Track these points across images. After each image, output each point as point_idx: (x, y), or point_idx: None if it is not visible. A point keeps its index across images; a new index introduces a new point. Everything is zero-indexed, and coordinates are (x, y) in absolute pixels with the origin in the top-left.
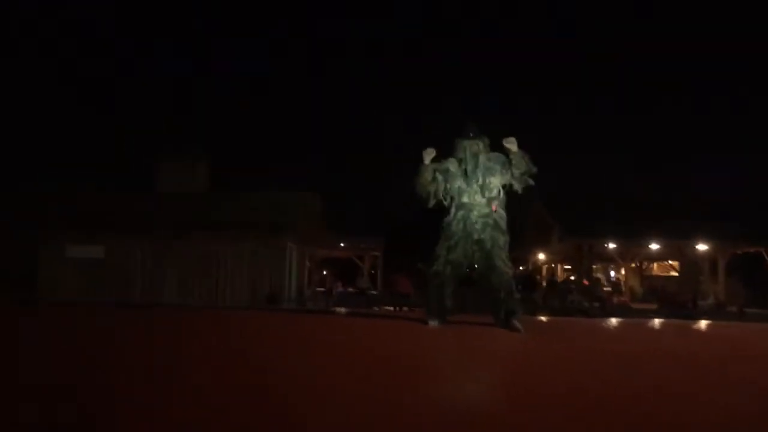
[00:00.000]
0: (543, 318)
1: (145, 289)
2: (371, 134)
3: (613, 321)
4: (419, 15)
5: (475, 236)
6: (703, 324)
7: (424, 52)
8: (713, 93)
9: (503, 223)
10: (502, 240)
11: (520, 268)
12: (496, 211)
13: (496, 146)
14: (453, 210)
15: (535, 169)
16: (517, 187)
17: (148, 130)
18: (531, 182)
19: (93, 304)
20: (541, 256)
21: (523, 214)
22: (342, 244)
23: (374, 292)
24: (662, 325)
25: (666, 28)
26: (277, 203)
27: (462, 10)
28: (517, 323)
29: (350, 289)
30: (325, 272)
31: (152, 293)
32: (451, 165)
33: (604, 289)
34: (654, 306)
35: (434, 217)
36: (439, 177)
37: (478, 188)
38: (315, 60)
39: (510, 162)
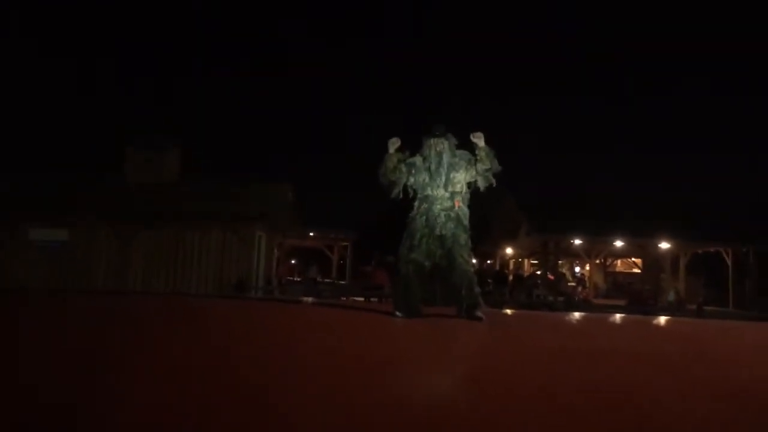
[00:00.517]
0: (509, 311)
1: (108, 275)
2: (347, 127)
3: (577, 315)
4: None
5: (437, 231)
6: (663, 320)
7: (410, 48)
8: (679, 91)
9: (466, 220)
10: (464, 238)
11: (488, 262)
12: (459, 207)
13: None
14: (416, 204)
15: (499, 168)
16: (481, 183)
17: (121, 116)
18: (493, 182)
19: (55, 291)
20: (509, 251)
21: (493, 208)
22: (312, 234)
23: (342, 282)
24: (624, 320)
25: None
26: (247, 192)
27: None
28: (478, 313)
29: (298, 279)
30: (286, 262)
31: (116, 280)
32: (417, 160)
33: (569, 284)
34: (616, 301)
35: (405, 209)
36: (403, 168)
37: (442, 183)
38: (291, 51)
39: (475, 158)
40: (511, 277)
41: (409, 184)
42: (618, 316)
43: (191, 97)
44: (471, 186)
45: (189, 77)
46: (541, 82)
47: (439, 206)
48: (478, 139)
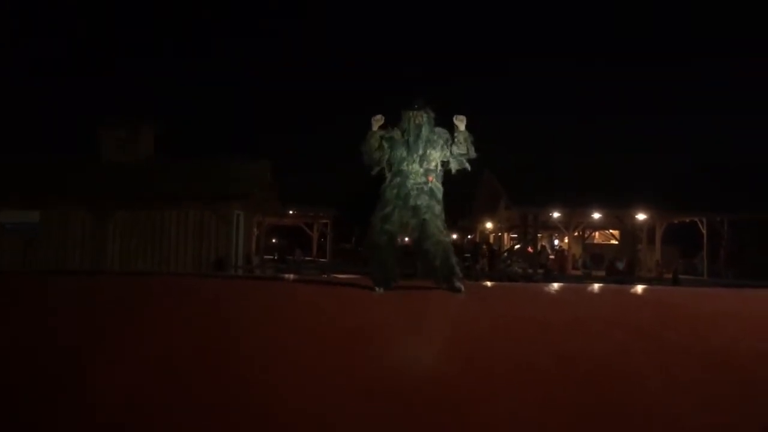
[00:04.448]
0: (488, 284)
1: (85, 256)
2: (325, 102)
3: (555, 286)
4: None
5: (411, 203)
6: (637, 289)
7: (385, 20)
8: (656, 56)
9: (439, 194)
10: (438, 208)
11: (468, 236)
12: (431, 183)
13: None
14: (389, 176)
15: (474, 155)
16: (453, 166)
17: (93, 94)
18: (467, 166)
19: (26, 273)
20: (489, 225)
21: (473, 183)
22: (291, 212)
23: (323, 260)
24: (600, 290)
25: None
26: (225, 170)
27: None
28: (457, 283)
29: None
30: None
31: (93, 261)
32: (395, 134)
33: (550, 257)
34: (592, 272)
35: (382, 184)
36: (385, 144)
37: (418, 158)
38: (267, 22)
39: (453, 139)
40: (484, 249)
41: (389, 159)
42: (595, 287)
43: (164, 75)
44: (444, 165)
45: (161, 55)
46: (510, 47)
47: (412, 181)
48: (460, 122)
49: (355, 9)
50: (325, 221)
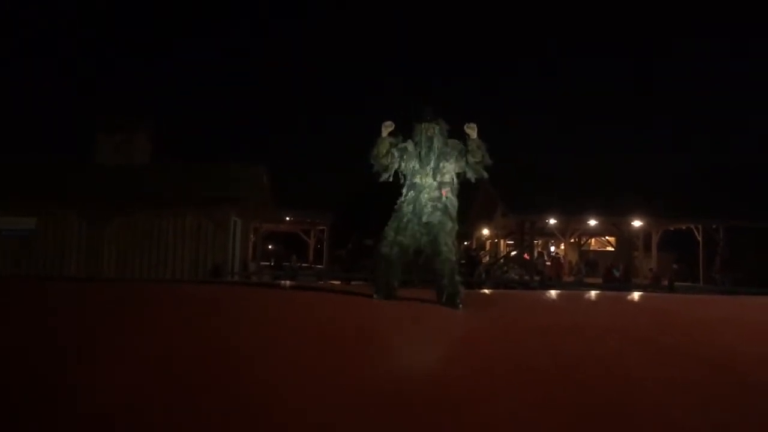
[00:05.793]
0: (486, 291)
1: (81, 262)
2: (325, 102)
3: (551, 293)
4: None
5: (424, 218)
6: (634, 296)
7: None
8: (652, 65)
9: (453, 211)
10: (450, 226)
11: (464, 243)
12: (446, 197)
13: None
14: (404, 190)
15: (490, 162)
16: (471, 175)
17: (89, 97)
18: (485, 174)
19: (22, 278)
20: (486, 232)
21: (471, 190)
22: (288, 218)
23: (320, 266)
24: (597, 297)
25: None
26: (222, 175)
27: None
28: (458, 301)
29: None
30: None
31: (89, 266)
32: (409, 145)
33: (546, 264)
34: (588, 279)
35: (383, 193)
36: (395, 152)
37: (431, 171)
38: (266, 25)
39: (467, 149)
40: (487, 258)
41: (400, 169)
42: (591, 293)
43: (160, 78)
44: (460, 177)
45: (158, 57)
46: (501, 51)
47: (426, 195)
48: (471, 131)
49: (355, 9)
50: (321, 228)
